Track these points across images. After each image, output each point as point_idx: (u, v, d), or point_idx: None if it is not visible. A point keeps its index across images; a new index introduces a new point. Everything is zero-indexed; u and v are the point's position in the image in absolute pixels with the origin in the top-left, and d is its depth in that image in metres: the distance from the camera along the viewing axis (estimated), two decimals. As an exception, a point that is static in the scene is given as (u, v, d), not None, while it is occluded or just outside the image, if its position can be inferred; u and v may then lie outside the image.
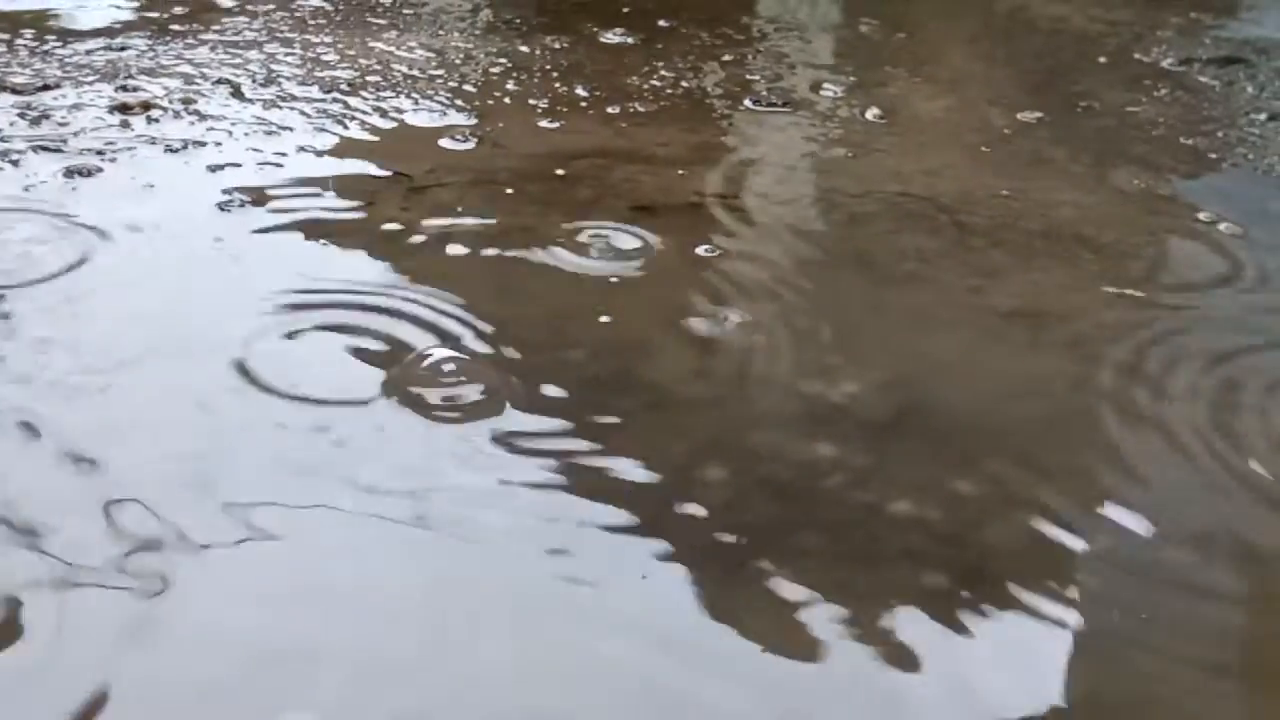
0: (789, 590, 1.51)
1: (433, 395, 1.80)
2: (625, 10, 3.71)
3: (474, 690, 1.34)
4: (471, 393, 1.81)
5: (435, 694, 1.33)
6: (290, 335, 1.93)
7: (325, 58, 3.15)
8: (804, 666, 1.41)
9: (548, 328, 2.02)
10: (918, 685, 1.39)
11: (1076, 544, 1.62)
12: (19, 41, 3.12)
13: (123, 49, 3.12)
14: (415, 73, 3.10)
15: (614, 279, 2.18)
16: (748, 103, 3.12)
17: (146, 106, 2.74)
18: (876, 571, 1.55)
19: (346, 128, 2.74)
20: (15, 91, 2.78)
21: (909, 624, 1.47)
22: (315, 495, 1.58)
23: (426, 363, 1.88)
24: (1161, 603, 1.54)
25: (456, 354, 1.90)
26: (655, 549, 1.55)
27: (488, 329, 1.97)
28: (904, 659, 1.42)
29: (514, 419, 1.77)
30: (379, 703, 1.31)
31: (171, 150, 2.55)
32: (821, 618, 1.47)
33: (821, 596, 1.50)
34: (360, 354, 1.89)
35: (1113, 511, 1.69)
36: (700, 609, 1.47)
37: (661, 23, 3.63)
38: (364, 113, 2.82)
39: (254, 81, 2.95)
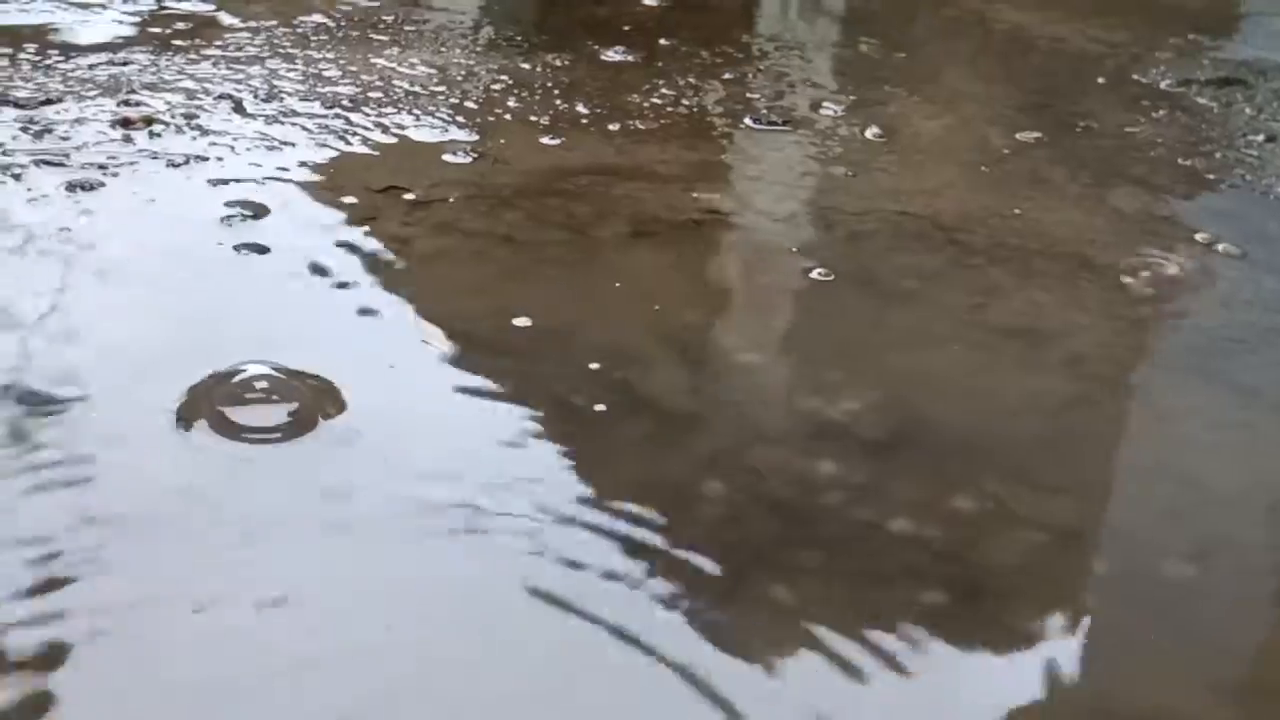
0: (786, 607, 1.51)
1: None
2: (626, 29, 3.72)
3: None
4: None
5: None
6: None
7: (327, 74, 3.16)
8: (800, 683, 1.41)
9: (548, 336, 2.02)
10: (916, 702, 1.39)
11: (1076, 561, 1.63)
12: (21, 56, 3.12)
13: (125, 64, 3.13)
14: (417, 89, 3.11)
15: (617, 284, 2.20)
16: (748, 121, 3.13)
17: (149, 121, 2.75)
18: (875, 589, 1.55)
19: (348, 143, 2.74)
20: (18, 106, 2.79)
21: (907, 641, 1.47)
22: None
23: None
24: (1162, 619, 1.54)
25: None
26: (654, 564, 1.55)
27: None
28: (902, 676, 1.42)
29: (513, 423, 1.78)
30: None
31: (174, 165, 2.56)
32: (819, 635, 1.47)
33: (819, 614, 1.50)
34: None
35: (1110, 528, 1.69)
36: (697, 626, 1.47)
37: (662, 41, 3.64)
38: (366, 128, 2.83)
39: (256, 97, 2.96)
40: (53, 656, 1.34)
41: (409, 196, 2.50)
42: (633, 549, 1.57)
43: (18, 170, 2.46)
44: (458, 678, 1.38)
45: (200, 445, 1.69)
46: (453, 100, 3.06)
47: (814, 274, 2.33)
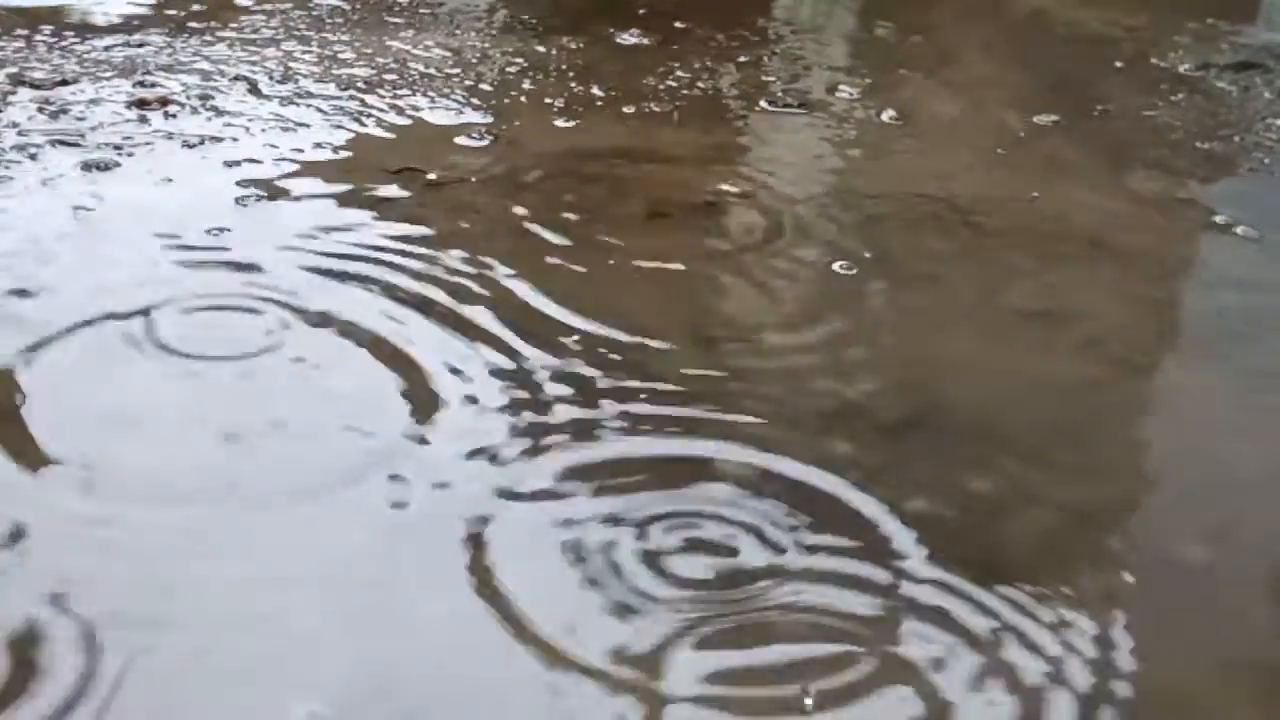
0: (803, 589, 1.51)
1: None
2: (641, 11, 3.71)
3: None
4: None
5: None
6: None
7: (342, 56, 3.16)
8: (816, 666, 1.41)
9: (562, 324, 2.02)
10: (933, 684, 1.39)
11: (1092, 542, 1.62)
12: (37, 37, 3.13)
13: (140, 45, 3.13)
14: (432, 71, 3.11)
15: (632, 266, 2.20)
16: (763, 104, 3.12)
17: (164, 102, 2.75)
18: (891, 569, 1.55)
19: (363, 125, 2.74)
20: (34, 86, 2.79)
21: (924, 622, 1.47)
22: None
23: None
24: (1178, 600, 1.54)
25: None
26: (667, 543, 1.55)
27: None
28: (919, 657, 1.42)
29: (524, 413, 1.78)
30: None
31: (189, 145, 2.56)
32: (836, 615, 1.47)
33: (836, 594, 1.50)
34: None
35: (1127, 510, 1.69)
36: (713, 606, 1.47)
37: (677, 24, 3.63)
38: (380, 110, 2.83)
39: (271, 78, 2.96)
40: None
41: (424, 178, 2.50)
42: (640, 534, 1.57)
43: (34, 150, 2.46)
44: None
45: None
46: (467, 83, 3.06)
47: (829, 257, 2.32)
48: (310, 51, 3.17)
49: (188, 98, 2.79)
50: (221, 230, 2.21)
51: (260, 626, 1.38)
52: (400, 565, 1.49)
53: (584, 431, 1.75)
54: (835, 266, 2.28)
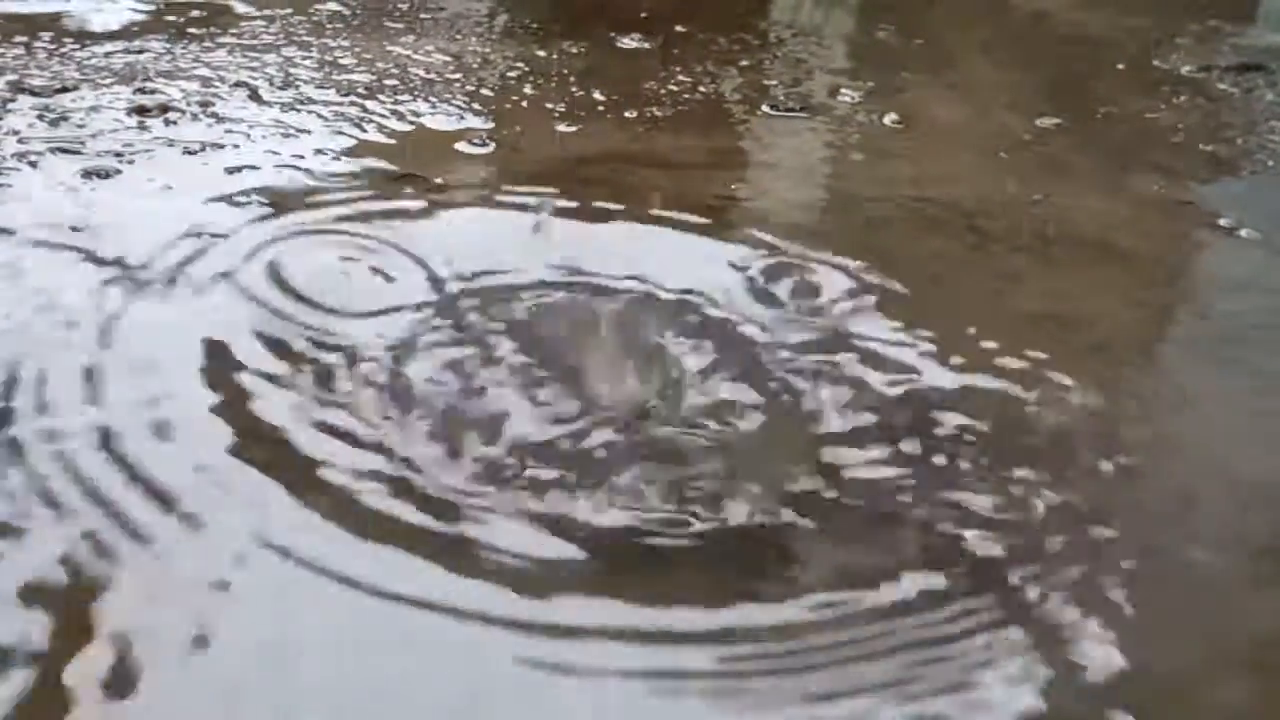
0: (805, 593, 1.50)
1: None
2: (642, 15, 3.71)
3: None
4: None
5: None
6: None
7: (343, 61, 3.15)
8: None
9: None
10: (933, 685, 1.38)
11: (1097, 546, 1.61)
12: (37, 44, 3.13)
13: (140, 51, 3.13)
14: (432, 76, 3.10)
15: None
16: (765, 107, 3.11)
17: (164, 109, 2.74)
18: (894, 576, 1.54)
19: (364, 131, 2.74)
20: (34, 93, 2.79)
21: (926, 629, 1.46)
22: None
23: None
24: (1184, 604, 1.53)
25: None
26: (674, 545, 1.55)
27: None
28: (922, 661, 1.42)
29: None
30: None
31: (189, 152, 2.55)
32: (837, 621, 1.46)
33: (838, 599, 1.49)
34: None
35: (1136, 515, 1.68)
36: (718, 606, 1.47)
37: (678, 28, 3.63)
38: (381, 116, 2.82)
39: (271, 84, 2.95)
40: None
41: (426, 184, 2.50)
42: (652, 541, 1.56)
43: (34, 158, 2.46)
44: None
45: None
46: (469, 88, 3.05)
47: (833, 262, 2.31)
48: (311, 57, 3.17)
49: (188, 104, 2.79)
50: (222, 236, 2.21)
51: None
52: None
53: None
54: (839, 272, 2.28)
